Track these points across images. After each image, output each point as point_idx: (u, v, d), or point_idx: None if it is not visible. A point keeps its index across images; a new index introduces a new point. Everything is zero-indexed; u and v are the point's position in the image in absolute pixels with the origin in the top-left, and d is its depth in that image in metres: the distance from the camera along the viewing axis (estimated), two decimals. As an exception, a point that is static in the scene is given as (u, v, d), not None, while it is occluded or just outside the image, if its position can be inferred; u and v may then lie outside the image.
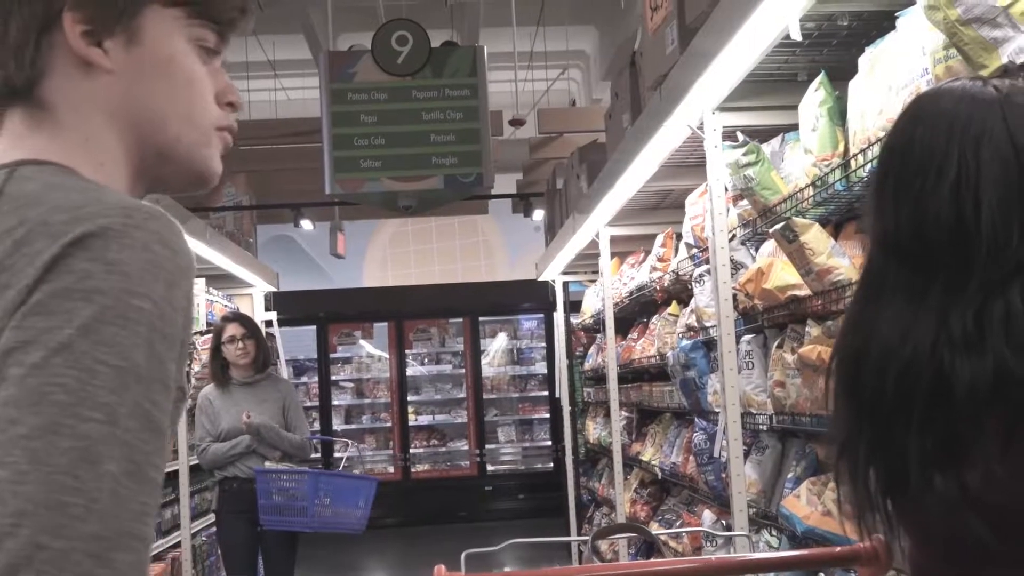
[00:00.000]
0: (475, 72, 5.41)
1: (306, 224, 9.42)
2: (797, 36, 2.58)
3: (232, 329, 5.43)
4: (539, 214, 8.90)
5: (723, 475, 4.09)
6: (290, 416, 5.46)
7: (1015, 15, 2.02)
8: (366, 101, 5.34)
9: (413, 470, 11.87)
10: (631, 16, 8.32)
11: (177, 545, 6.01)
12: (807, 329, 3.29)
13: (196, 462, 5.86)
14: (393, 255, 13.46)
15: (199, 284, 6.88)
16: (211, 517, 6.60)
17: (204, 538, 6.60)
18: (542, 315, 11.85)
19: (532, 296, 10.97)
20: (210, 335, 5.94)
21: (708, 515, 4.49)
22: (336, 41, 9.10)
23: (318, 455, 10.87)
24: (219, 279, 7.54)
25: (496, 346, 12.51)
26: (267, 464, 5.22)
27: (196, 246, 6.08)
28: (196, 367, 6.01)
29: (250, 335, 5.46)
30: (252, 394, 5.42)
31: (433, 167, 5.34)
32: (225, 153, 1.13)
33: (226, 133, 1.12)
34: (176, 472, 5.98)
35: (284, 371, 8.24)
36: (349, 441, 7.70)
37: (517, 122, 9.33)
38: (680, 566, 2.03)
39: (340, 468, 6.41)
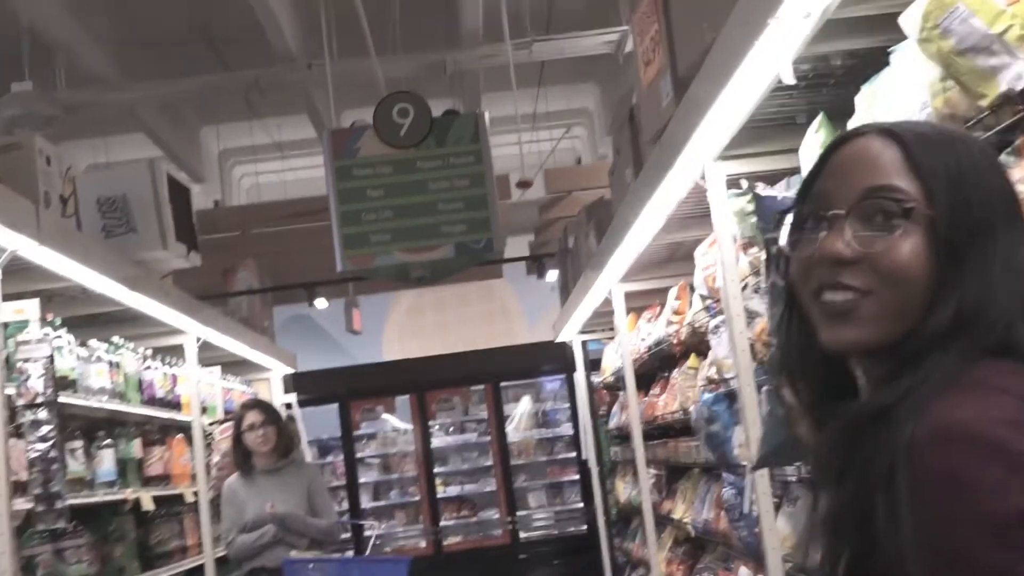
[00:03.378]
0: (478, 138, 5.40)
1: (320, 303, 9.42)
2: (790, 80, 2.54)
3: (252, 417, 5.36)
4: (553, 274, 8.86)
5: (756, 530, 3.98)
6: (316, 501, 5.37)
7: (1010, 41, 1.97)
8: (371, 175, 5.33)
9: (445, 543, 11.67)
10: (630, 69, 8.33)
11: (208, 639, 5.90)
12: (829, 375, 3.20)
13: (222, 554, 5.77)
14: (411, 327, 13.41)
15: (215, 372, 6.84)
16: (239, 609, 6.49)
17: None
18: (563, 376, 11.71)
19: (552, 358, 10.87)
20: (229, 424, 5.88)
21: (744, 572, 4.38)
22: (340, 118, 9.16)
23: (348, 535, 10.74)
24: (235, 365, 7.51)
25: (520, 410, 12.36)
26: (293, 553, 5.11)
27: (210, 334, 6.05)
28: (216, 457, 5.94)
29: (270, 421, 5.39)
30: (276, 481, 5.33)
31: (443, 236, 5.30)
32: None
33: None
34: (202, 566, 5.89)
35: (307, 453, 8.17)
36: (375, 522, 7.62)
37: (524, 184, 9.32)
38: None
39: (370, 549, 6.31)
